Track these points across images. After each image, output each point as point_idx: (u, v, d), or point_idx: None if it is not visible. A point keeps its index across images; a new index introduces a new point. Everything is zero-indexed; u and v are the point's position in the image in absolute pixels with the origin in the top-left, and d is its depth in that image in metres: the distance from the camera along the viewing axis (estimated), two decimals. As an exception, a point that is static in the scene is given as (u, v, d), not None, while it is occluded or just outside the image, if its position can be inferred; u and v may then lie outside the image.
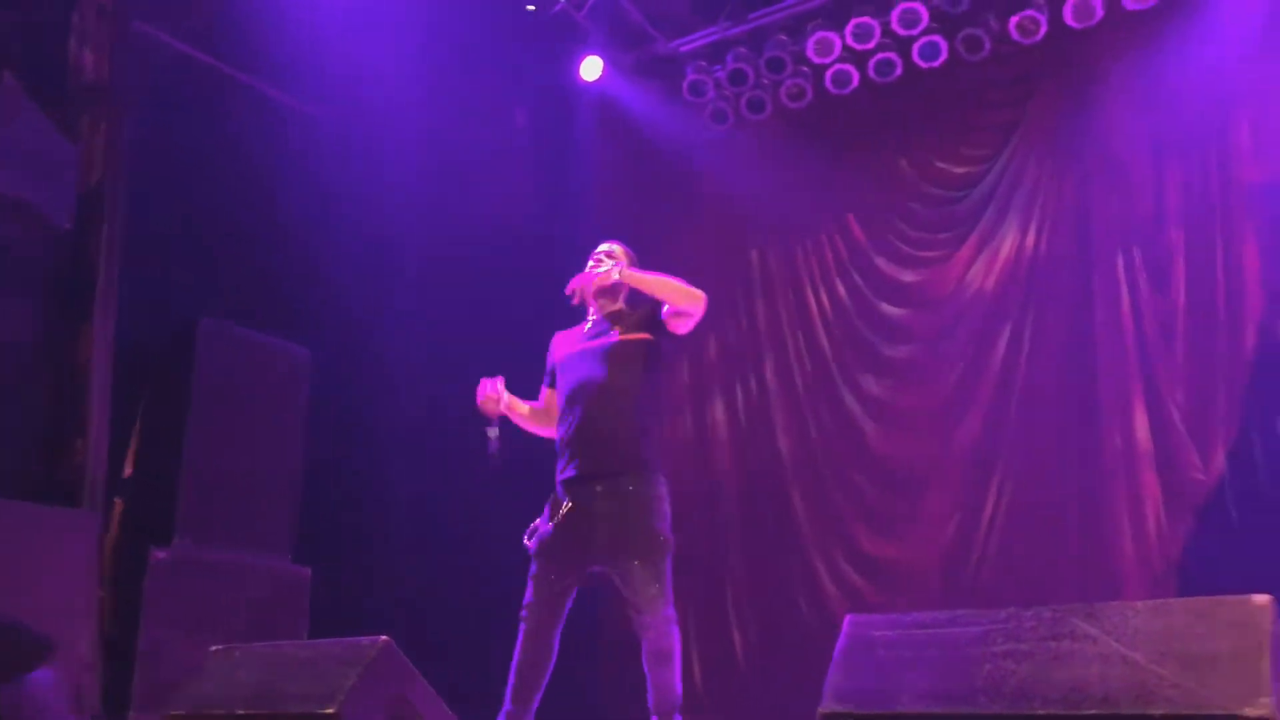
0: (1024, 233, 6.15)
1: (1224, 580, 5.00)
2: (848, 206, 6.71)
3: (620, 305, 3.83)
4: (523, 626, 3.52)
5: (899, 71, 6.21)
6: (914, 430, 6.32)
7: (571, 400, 3.66)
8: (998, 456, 6.01)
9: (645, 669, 3.43)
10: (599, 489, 3.51)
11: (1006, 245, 6.19)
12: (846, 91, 6.40)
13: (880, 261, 6.58)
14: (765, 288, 6.94)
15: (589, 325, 3.83)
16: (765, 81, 6.52)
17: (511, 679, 3.52)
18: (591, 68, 6.76)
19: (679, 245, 6.46)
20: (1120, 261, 5.86)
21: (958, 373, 6.23)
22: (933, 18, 5.96)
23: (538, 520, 3.64)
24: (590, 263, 3.84)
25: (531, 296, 5.61)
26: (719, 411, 6.93)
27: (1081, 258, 6.00)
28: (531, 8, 6.61)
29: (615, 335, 3.69)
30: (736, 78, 6.55)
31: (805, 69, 6.42)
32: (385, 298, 6.47)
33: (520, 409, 3.83)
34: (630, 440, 3.55)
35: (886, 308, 6.54)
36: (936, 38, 6.02)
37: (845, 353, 6.62)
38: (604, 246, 3.90)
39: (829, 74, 6.34)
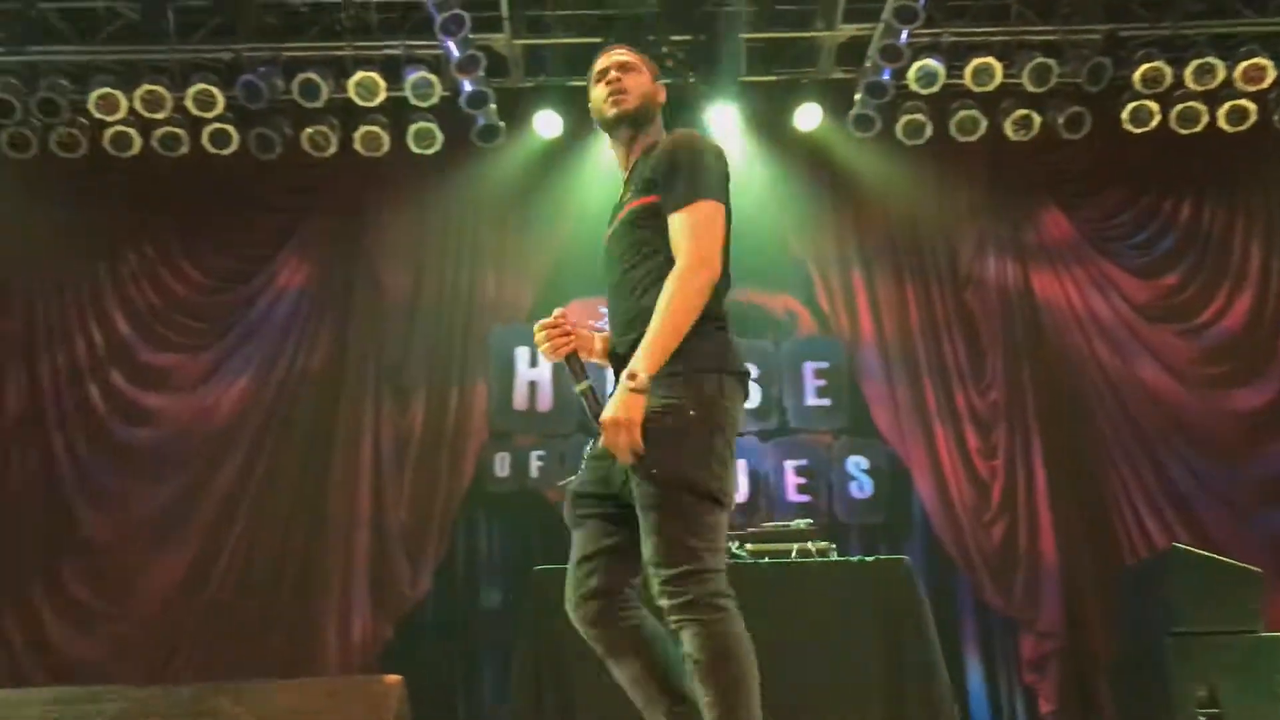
0: (283, 343, 6.28)
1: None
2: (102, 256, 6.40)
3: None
4: None
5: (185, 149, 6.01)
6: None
7: None
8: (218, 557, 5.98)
9: None
10: None
11: (260, 354, 6.29)
12: (126, 155, 6.03)
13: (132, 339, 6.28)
14: None
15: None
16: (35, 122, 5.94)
17: None
18: None
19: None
20: (370, 384, 6.25)
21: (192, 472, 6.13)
22: (228, 107, 5.89)
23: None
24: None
25: None
26: None
27: (334, 374, 6.26)
28: None
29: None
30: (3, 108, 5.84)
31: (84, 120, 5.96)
32: None
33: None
34: None
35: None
36: (229, 127, 5.96)
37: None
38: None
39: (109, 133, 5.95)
